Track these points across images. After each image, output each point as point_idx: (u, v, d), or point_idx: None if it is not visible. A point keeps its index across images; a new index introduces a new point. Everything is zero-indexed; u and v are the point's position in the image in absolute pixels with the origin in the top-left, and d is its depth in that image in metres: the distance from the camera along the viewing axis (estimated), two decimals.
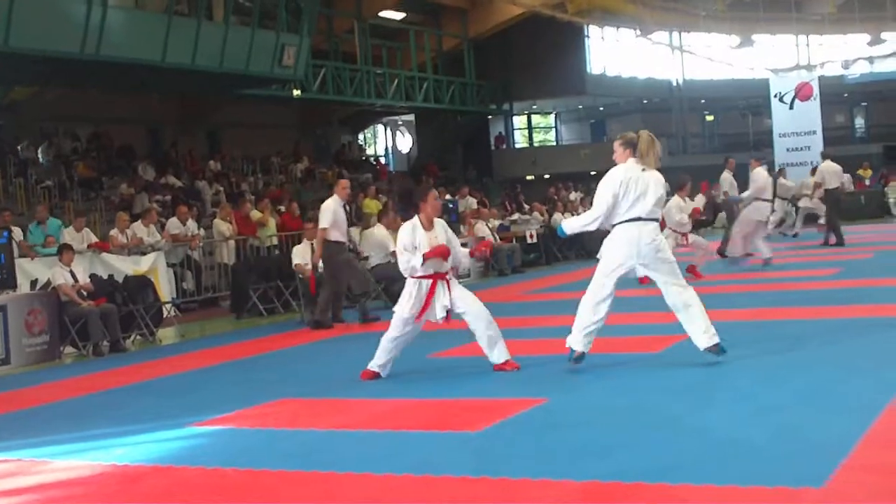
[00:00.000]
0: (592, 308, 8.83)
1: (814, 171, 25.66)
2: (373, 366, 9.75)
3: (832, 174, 23.10)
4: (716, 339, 8.66)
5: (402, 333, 9.59)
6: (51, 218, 17.99)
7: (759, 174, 19.35)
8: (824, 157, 24.39)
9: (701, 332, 8.70)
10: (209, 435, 7.92)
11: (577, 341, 8.86)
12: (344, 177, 32.16)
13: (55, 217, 19.09)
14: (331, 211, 14.66)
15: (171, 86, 25.79)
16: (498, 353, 9.27)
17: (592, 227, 9.08)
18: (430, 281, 9.36)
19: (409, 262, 9.42)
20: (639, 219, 8.77)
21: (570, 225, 9.35)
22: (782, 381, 7.94)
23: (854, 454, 5.69)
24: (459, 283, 9.65)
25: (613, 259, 8.86)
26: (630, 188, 8.78)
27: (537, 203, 28.46)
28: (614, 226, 8.88)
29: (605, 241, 9.02)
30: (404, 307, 9.50)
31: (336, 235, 14.69)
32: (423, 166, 39.50)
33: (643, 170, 8.86)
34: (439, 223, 9.57)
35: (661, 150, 9.12)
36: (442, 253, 9.27)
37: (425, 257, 9.27)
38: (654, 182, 8.86)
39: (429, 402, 8.49)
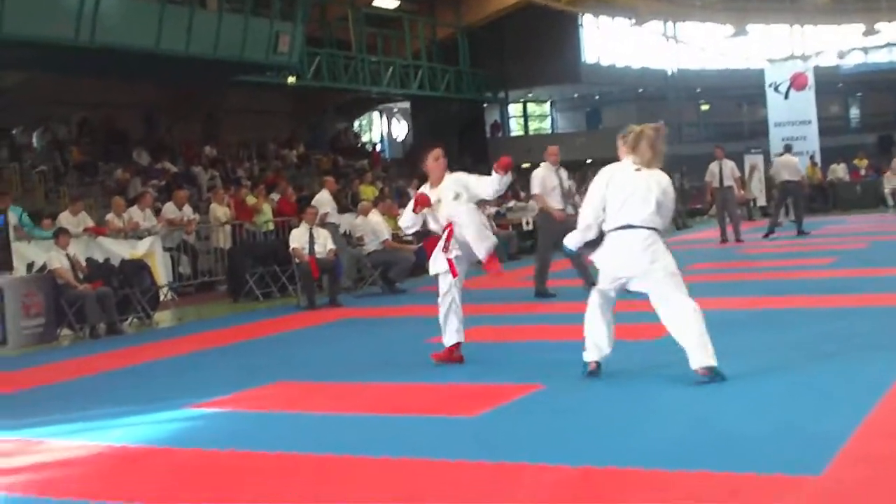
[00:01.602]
0: (589, 323, 8.07)
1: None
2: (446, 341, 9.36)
3: (787, 167, 23.29)
4: (713, 361, 7.54)
5: (446, 293, 9.21)
6: (11, 206, 17.68)
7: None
8: (785, 149, 24.54)
9: (697, 346, 7.59)
10: (205, 417, 7.93)
11: (586, 353, 8.10)
12: (339, 164, 32.29)
13: (50, 202, 19.08)
14: (540, 178, 14.52)
15: (165, 72, 25.70)
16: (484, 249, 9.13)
17: (592, 234, 8.06)
18: (445, 234, 9.20)
19: (402, 219, 9.57)
20: (629, 226, 7.77)
21: (572, 240, 8.32)
22: (778, 370, 7.96)
23: (851, 443, 5.71)
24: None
25: (602, 274, 8.08)
26: (617, 190, 7.87)
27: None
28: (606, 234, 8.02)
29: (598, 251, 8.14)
30: (433, 267, 9.37)
31: (553, 203, 14.39)
32: (419, 154, 39.38)
33: (637, 169, 7.87)
34: (451, 177, 9.44)
35: (661, 144, 7.96)
36: (420, 202, 9.20)
37: (414, 209, 9.29)
38: (650, 184, 7.82)
39: (425, 386, 8.51)
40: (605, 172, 8.02)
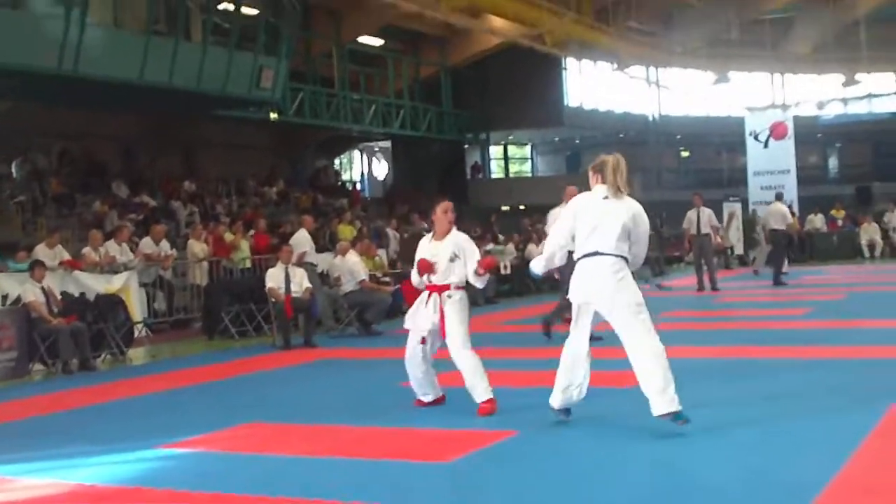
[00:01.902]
0: (563, 369, 7.98)
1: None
2: (419, 395, 9.51)
3: (775, 216, 23.51)
4: (675, 406, 7.43)
5: (414, 350, 9.25)
6: None
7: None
8: (776, 197, 24.77)
9: (658, 392, 7.47)
10: (177, 457, 7.86)
11: (553, 397, 8.07)
12: (318, 202, 32.26)
13: (27, 233, 18.98)
14: (556, 217, 14.28)
15: (148, 104, 25.72)
16: (479, 393, 8.91)
17: (557, 262, 8.24)
18: (427, 293, 9.16)
19: (412, 279, 9.47)
20: (597, 253, 7.75)
21: (537, 265, 8.49)
22: (752, 419, 7.94)
23: (824, 496, 5.70)
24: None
25: (574, 303, 7.99)
26: (585, 218, 7.86)
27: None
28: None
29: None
30: (407, 319, 9.38)
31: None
32: (399, 193, 39.53)
33: (605, 198, 7.84)
34: (454, 237, 9.26)
35: (623, 174, 7.88)
36: (422, 267, 9.18)
37: (420, 273, 9.19)
38: (619, 211, 7.79)
39: (399, 430, 8.46)
40: (575, 201, 8.09)
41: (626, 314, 7.62)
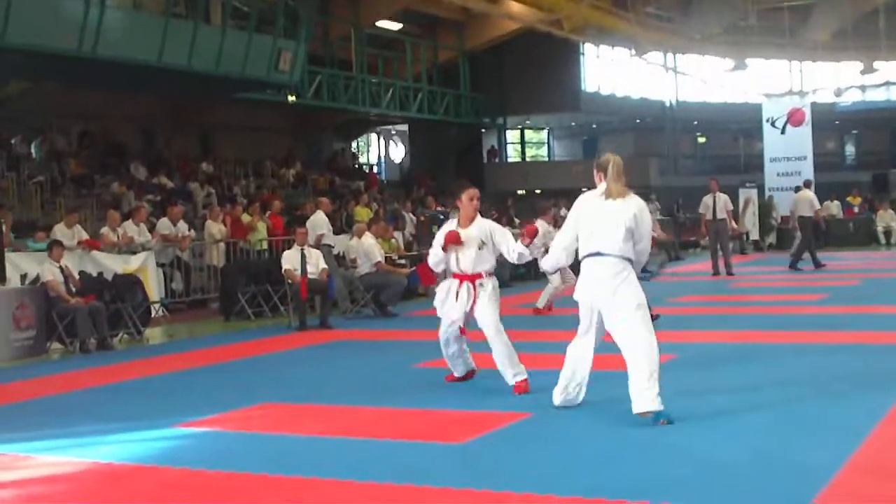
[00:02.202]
0: (568, 359, 8.06)
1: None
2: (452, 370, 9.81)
3: (803, 203, 23.51)
4: (656, 406, 7.30)
5: (447, 333, 9.43)
6: None
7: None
8: (805, 184, 24.75)
9: (640, 388, 7.36)
10: (193, 436, 7.93)
11: (555, 395, 8.10)
12: (335, 184, 32.31)
13: (46, 213, 19.05)
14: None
15: (166, 87, 25.73)
16: (510, 376, 9.01)
17: (564, 262, 8.21)
18: (458, 281, 9.21)
19: (431, 256, 9.53)
20: (598, 254, 7.67)
21: (547, 263, 8.45)
22: (765, 404, 7.97)
23: (836, 480, 5.75)
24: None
25: (579, 304, 7.94)
26: (588, 218, 7.82)
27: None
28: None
29: None
30: (438, 308, 9.45)
31: None
32: (416, 176, 39.55)
33: (606, 198, 7.74)
34: (479, 223, 9.24)
35: (623, 176, 7.77)
36: (450, 239, 9.16)
37: (443, 247, 9.20)
38: (620, 211, 7.66)
39: (413, 411, 8.52)
40: (580, 200, 8.01)
41: (623, 311, 7.55)
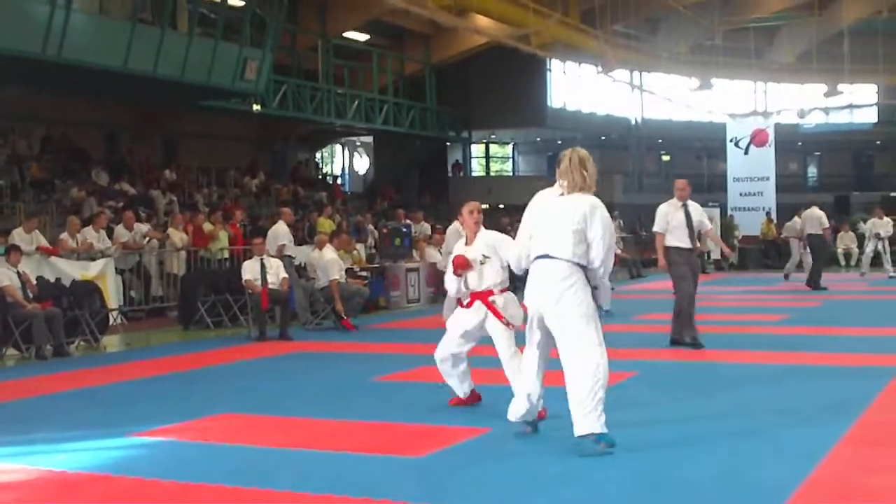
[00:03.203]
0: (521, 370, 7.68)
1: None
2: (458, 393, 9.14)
3: (812, 220, 23.65)
4: (598, 428, 6.87)
5: (450, 354, 8.89)
6: None
7: None
8: (809, 203, 24.92)
9: (582, 410, 6.90)
10: (149, 446, 7.86)
11: (510, 409, 7.70)
12: (299, 195, 32.22)
13: (5, 217, 18.89)
14: (662, 214, 13.42)
15: (131, 92, 25.61)
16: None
17: (524, 265, 7.49)
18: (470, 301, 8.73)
19: (448, 286, 9.02)
20: (546, 256, 7.16)
21: (515, 265, 7.79)
22: (725, 423, 7.99)
23: (794, 500, 5.76)
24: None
25: (527, 311, 7.47)
26: (539, 218, 7.34)
27: None
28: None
29: None
30: (446, 320, 9.08)
31: (673, 241, 13.25)
32: (379, 189, 39.52)
33: (561, 194, 7.24)
34: (483, 237, 8.78)
35: (580, 170, 7.20)
36: (458, 264, 8.85)
37: (455, 272, 8.72)
38: (572, 211, 7.11)
39: (372, 425, 8.47)
40: (534, 198, 7.53)
41: (567, 321, 7.03)
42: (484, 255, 8.65)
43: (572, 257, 7.06)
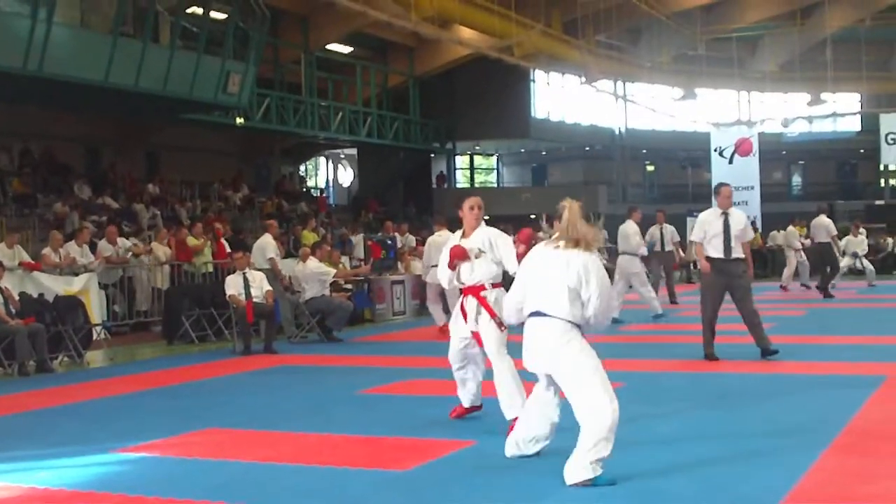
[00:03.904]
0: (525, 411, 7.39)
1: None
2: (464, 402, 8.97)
3: (819, 229, 23.76)
4: (588, 473, 6.51)
5: (457, 352, 8.74)
6: None
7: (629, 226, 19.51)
8: (819, 210, 24.98)
9: (576, 459, 6.56)
10: (133, 462, 7.81)
11: (508, 443, 7.37)
12: (283, 208, 32.18)
13: None
14: (701, 223, 13.08)
15: (113, 106, 25.54)
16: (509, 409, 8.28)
17: (515, 319, 7.27)
18: (462, 296, 8.67)
19: (441, 275, 8.94)
20: (539, 313, 6.88)
21: (508, 318, 7.56)
22: (711, 433, 7.99)
23: None
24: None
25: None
26: (534, 271, 7.04)
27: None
28: None
29: None
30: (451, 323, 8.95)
31: (711, 251, 12.83)
32: (364, 201, 39.50)
33: (556, 247, 6.88)
34: (482, 231, 8.73)
35: (575, 227, 6.86)
36: (455, 255, 8.74)
37: (450, 264, 8.64)
38: (565, 266, 6.79)
39: (357, 438, 8.43)
40: (533, 250, 7.23)
41: (569, 377, 6.73)
42: (480, 249, 8.60)
43: (567, 316, 6.77)
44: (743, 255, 12.69)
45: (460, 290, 8.79)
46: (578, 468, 6.51)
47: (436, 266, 16.28)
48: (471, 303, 8.56)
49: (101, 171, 29.66)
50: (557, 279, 6.77)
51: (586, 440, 6.53)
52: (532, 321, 6.93)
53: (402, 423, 9.02)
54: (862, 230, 28.08)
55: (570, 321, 6.76)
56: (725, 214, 12.85)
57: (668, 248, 22.30)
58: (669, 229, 22.34)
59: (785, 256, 28.26)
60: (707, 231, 12.85)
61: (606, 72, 40.06)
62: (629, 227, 19.49)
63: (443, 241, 15.77)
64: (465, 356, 8.74)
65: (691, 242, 13.59)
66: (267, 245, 18.27)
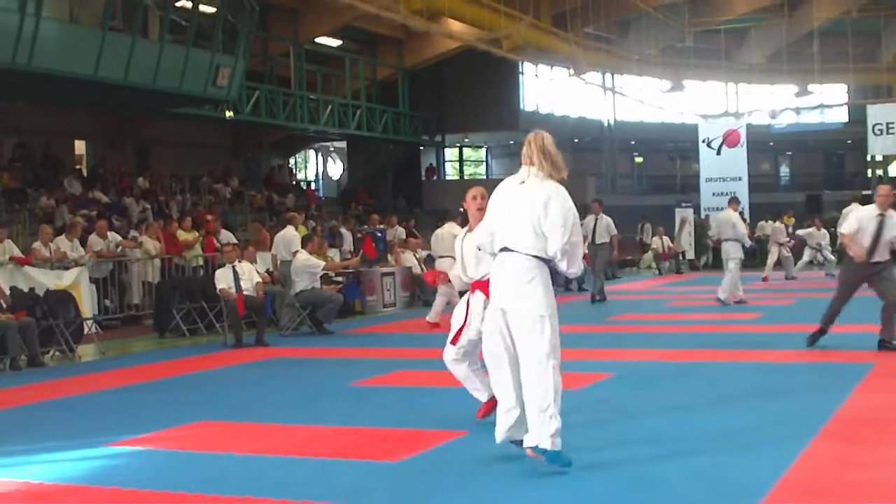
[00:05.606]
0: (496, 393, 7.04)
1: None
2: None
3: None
4: (548, 444, 6.45)
5: (463, 349, 8.19)
6: None
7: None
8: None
9: (536, 425, 6.50)
10: (126, 455, 7.83)
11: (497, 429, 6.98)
12: (273, 202, 32.18)
13: None
14: (856, 220, 12.39)
15: (102, 100, 25.53)
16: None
17: (488, 248, 6.99)
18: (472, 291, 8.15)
19: (452, 278, 8.60)
20: (506, 249, 6.69)
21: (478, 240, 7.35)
22: (700, 422, 8.04)
23: (769, 499, 5.79)
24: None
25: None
26: (499, 208, 6.85)
27: None
28: None
29: None
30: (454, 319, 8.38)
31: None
32: (353, 193, 39.51)
33: (522, 182, 6.75)
34: None
35: (540, 154, 6.67)
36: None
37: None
38: (531, 200, 6.60)
39: (348, 429, 8.47)
40: (499, 186, 7.01)
41: (523, 324, 6.55)
42: (479, 245, 7.86)
43: (532, 250, 6.57)
44: (886, 258, 12.33)
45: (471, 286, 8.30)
46: (539, 436, 6.43)
47: (442, 257, 16.39)
48: (478, 297, 7.99)
49: (91, 166, 29.63)
50: (521, 212, 6.59)
51: (533, 405, 6.44)
52: (500, 257, 6.75)
53: (393, 414, 9.06)
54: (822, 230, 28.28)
55: (535, 256, 6.57)
56: (882, 217, 12.19)
57: (602, 240, 21.28)
58: (605, 220, 21.34)
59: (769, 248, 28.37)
60: (860, 228, 12.28)
61: (595, 64, 40.06)
62: (732, 217, 19.98)
63: (448, 233, 15.90)
64: (468, 356, 8.27)
65: (841, 234, 13.13)
66: (292, 238, 18.30)
